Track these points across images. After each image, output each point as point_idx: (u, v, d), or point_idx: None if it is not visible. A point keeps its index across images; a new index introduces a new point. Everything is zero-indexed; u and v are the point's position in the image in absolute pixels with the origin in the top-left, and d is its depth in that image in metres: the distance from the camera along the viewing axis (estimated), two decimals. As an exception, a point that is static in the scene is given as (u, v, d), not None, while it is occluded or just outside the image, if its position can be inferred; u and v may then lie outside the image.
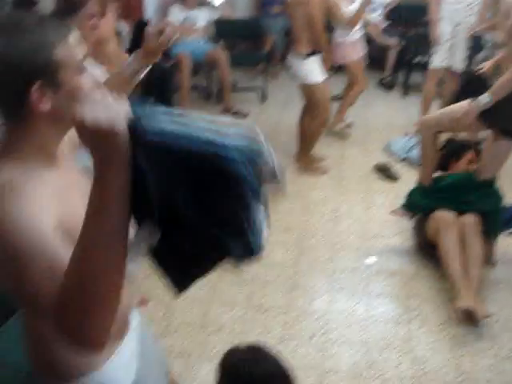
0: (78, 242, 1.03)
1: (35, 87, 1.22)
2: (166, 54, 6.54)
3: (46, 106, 1.25)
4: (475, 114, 3.46)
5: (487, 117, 3.48)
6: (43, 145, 1.30)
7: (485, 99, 3.41)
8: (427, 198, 3.93)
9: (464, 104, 3.56)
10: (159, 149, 0.95)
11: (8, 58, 1.21)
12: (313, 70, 4.76)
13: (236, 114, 6.36)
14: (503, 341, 3.23)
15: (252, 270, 3.76)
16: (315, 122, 4.93)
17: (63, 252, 1.14)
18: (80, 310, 1.04)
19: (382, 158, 5.33)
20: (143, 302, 3.45)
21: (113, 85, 1.81)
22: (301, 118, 5.07)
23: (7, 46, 1.21)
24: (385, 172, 5.03)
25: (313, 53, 4.73)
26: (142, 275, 3.66)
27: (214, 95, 6.97)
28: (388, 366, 3.06)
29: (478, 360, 3.10)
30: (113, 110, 0.95)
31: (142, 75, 2.00)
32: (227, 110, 6.50)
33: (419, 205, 3.98)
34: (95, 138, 0.95)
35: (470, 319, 3.31)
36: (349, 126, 5.89)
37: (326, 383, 2.93)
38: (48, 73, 1.24)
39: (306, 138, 5.05)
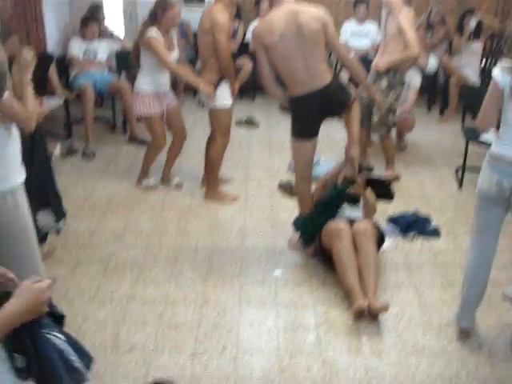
0: None
1: None
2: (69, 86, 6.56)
3: None
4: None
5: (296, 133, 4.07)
6: None
7: None
8: (312, 224, 4.16)
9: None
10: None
11: None
12: (222, 94, 4.80)
13: (142, 143, 6.38)
14: (407, 338, 3.41)
15: (162, 289, 3.80)
16: (218, 146, 4.98)
17: None
18: None
19: (285, 177, 5.51)
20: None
21: None
22: (207, 144, 5.14)
23: None
24: (288, 189, 5.19)
25: (221, 79, 4.77)
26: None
27: (119, 126, 6.98)
28: (299, 369, 3.15)
29: (384, 357, 3.25)
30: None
31: None
32: (133, 140, 6.53)
33: (309, 236, 4.21)
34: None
35: (370, 316, 3.52)
36: None
37: (239, 391, 3.00)
38: None
39: (212, 164, 5.07)
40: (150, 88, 5.00)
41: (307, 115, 3.95)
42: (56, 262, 4.10)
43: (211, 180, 5.10)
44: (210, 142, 5.05)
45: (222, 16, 4.53)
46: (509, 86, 2.88)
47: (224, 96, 4.82)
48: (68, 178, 5.42)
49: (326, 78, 3.89)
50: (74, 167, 5.85)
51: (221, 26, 4.52)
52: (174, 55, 4.98)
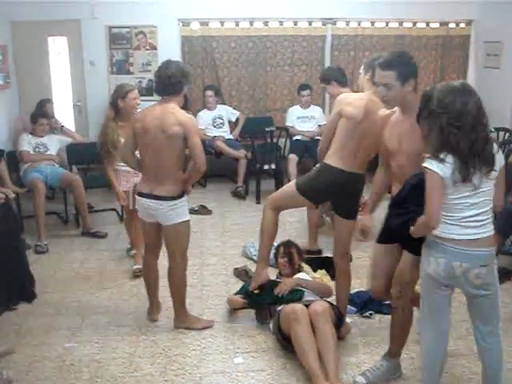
0: None
1: None
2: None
3: None
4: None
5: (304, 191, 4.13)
6: None
7: None
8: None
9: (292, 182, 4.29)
10: None
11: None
12: (183, 208, 4.23)
13: (95, 234, 6.39)
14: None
15: (121, 385, 3.72)
16: (180, 270, 4.33)
17: None
18: None
19: (240, 263, 5.54)
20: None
21: None
22: (169, 273, 4.38)
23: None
24: (244, 275, 5.21)
25: (183, 193, 4.22)
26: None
27: (71, 219, 6.94)
28: None
29: None
30: None
31: None
32: (86, 232, 6.50)
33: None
34: None
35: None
36: None
37: None
38: None
39: (179, 292, 4.39)
40: (119, 166, 5.28)
41: (324, 185, 4.09)
42: (9, 361, 3.98)
43: (181, 305, 4.44)
44: (171, 269, 4.33)
45: (188, 116, 4.12)
46: (448, 173, 2.87)
47: (184, 211, 4.25)
48: (20, 274, 5.32)
49: (360, 168, 4.10)
50: (26, 263, 5.76)
51: (195, 129, 4.12)
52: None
